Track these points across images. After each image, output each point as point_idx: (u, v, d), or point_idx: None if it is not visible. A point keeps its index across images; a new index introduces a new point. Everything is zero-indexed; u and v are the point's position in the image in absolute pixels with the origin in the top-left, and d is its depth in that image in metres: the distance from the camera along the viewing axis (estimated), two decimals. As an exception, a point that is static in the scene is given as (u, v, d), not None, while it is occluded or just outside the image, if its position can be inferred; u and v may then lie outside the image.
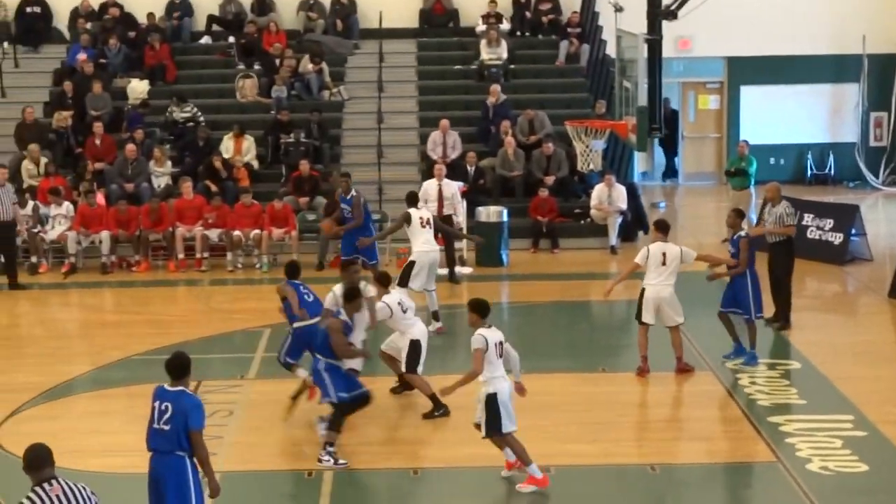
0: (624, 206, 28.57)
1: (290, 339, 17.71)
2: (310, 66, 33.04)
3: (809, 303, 24.08)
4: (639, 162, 35.22)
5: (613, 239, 28.29)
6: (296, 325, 17.58)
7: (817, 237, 26.94)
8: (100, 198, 28.12)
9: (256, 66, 33.79)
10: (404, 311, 17.51)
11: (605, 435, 16.58)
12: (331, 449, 15.49)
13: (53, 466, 10.28)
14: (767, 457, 15.95)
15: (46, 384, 19.14)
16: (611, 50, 31.30)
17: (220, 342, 21.61)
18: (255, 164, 30.30)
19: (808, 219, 27.23)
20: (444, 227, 23.43)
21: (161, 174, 29.53)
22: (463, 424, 16.00)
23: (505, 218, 27.24)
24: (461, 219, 26.52)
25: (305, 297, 17.83)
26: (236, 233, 27.23)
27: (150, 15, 34.75)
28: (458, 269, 26.31)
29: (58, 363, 20.19)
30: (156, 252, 27.72)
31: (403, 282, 20.81)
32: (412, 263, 21.28)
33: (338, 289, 17.06)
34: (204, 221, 27.40)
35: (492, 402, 14.35)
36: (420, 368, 17.40)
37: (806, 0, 35.73)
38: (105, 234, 27.06)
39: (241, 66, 33.95)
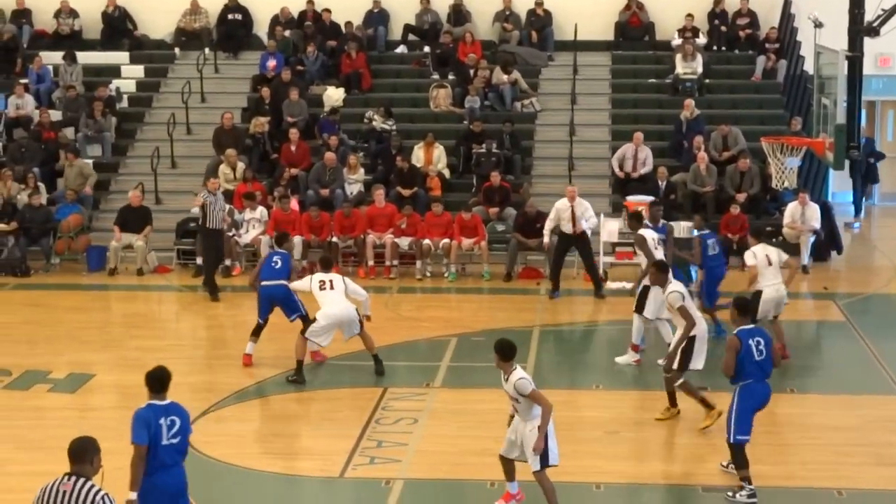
0: (817, 225, 28.18)
1: None
2: (504, 77, 33.16)
3: None
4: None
5: (805, 258, 27.92)
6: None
7: None
8: (293, 203, 28.51)
9: (451, 76, 34.01)
10: None
11: (796, 456, 16.39)
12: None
13: (93, 466, 10.26)
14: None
15: (238, 385, 19.52)
16: (809, 66, 30.93)
17: (406, 350, 21.79)
18: (447, 173, 30.49)
19: None
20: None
21: (354, 181, 29.86)
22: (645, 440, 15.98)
23: (695, 234, 27.01)
24: (589, 230, 26.05)
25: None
26: (426, 241, 27.43)
27: (349, 24, 35.17)
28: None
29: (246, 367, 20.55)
30: (346, 258, 28.02)
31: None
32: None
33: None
34: (395, 229, 27.64)
35: (547, 435, 14.04)
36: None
37: None
38: (298, 239, 27.39)
39: (436, 76, 34.21)
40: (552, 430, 14.06)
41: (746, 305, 15.40)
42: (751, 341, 14.88)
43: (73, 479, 10.09)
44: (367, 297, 20.23)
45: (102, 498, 10.02)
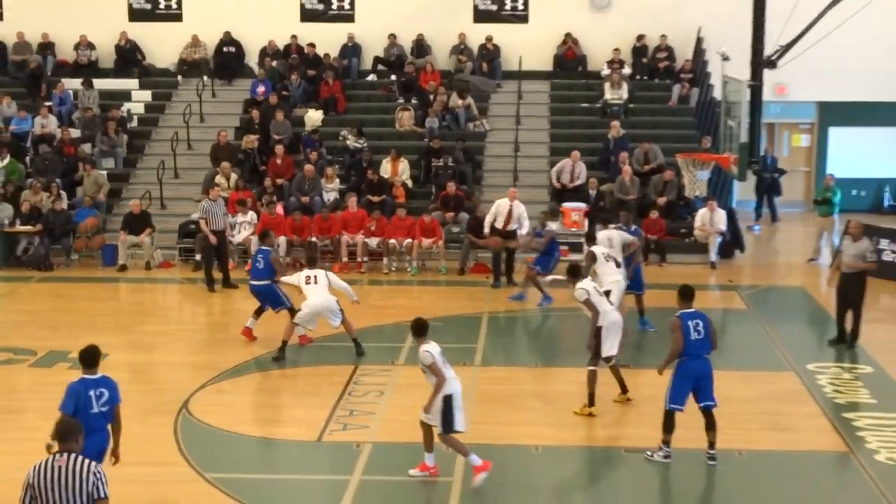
0: (724, 227, 28.38)
1: None
2: (458, 102, 33.25)
3: (883, 316, 23.73)
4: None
5: (713, 256, 28.10)
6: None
7: (892, 259, 26.54)
8: (279, 208, 28.57)
9: (413, 101, 34.05)
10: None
11: (691, 423, 16.55)
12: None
13: (78, 443, 10.02)
14: (841, 447, 15.85)
15: (232, 363, 19.56)
16: (717, 93, 31.09)
17: (374, 333, 21.82)
18: (410, 183, 30.57)
19: (884, 243, 26.82)
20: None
21: (331, 190, 29.91)
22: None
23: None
24: (524, 231, 26.14)
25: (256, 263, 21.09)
26: (392, 241, 27.52)
27: (326, 55, 35.21)
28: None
29: (241, 346, 20.56)
30: (324, 256, 28.05)
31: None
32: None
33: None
34: (366, 230, 27.72)
35: (447, 403, 14.14)
36: None
37: (889, 53, 35.14)
38: (282, 239, 27.48)
39: (401, 100, 34.25)
40: (459, 401, 14.16)
41: (686, 292, 15.35)
42: (690, 322, 14.95)
43: (66, 455, 9.90)
44: (347, 287, 20.34)
45: (96, 469, 9.90)
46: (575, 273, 17.66)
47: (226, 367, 19.32)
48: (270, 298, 20.95)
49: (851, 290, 20.69)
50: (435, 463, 14.63)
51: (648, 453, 15.18)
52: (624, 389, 17.50)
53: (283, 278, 20.95)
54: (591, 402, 16.91)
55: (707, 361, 15.07)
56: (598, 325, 17.01)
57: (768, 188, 34.58)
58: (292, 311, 20.44)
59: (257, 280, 21.01)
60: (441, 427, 14.26)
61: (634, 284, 21.60)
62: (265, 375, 19.27)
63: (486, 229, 26.42)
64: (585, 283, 17.34)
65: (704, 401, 15.06)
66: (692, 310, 15.20)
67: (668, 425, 15.09)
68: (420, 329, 14.49)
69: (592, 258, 20.73)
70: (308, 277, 20.03)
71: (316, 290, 19.89)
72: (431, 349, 14.23)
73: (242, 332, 20.97)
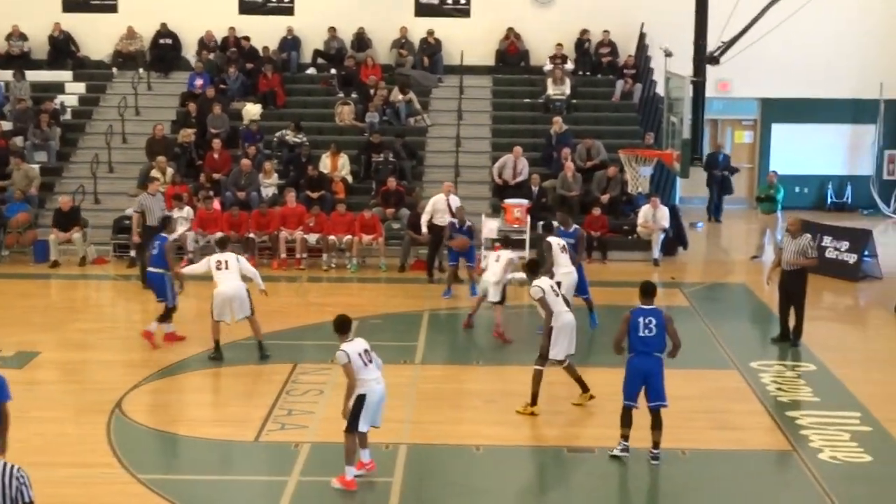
0: (666, 224, 28.43)
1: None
2: (399, 96, 33.12)
3: (825, 314, 23.87)
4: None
5: (656, 253, 28.13)
6: None
7: (834, 257, 26.69)
8: (216, 204, 28.32)
9: (353, 95, 33.88)
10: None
11: (646, 422, 16.53)
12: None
13: None
14: (785, 446, 15.89)
15: (164, 362, 19.32)
16: (660, 89, 31.11)
17: (314, 331, 21.66)
18: (350, 178, 30.40)
19: (827, 241, 27.00)
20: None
21: (269, 185, 29.69)
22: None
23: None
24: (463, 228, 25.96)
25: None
26: (331, 237, 27.34)
27: (265, 48, 34.99)
28: (520, 274, 26.34)
29: (176, 345, 20.32)
30: (262, 252, 27.87)
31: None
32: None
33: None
34: (305, 226, 27.52)
35: (359, 402, 14.05)
36: None
37: (831, 50, 35.41)
38: (219, 235, 27.22)
39: (341, 95, 34.06)
40: (371, 403, 14.06)
41: (645, 289, 15.31)
42: (641, 319, 14.92)
43: None
44: (256, 273, 20.01)
45: (19, 474, 9.41)
46: (534, 269, 17.60)
47: (161, 365, 19.09)
48: (157, 288, 20.54)
49: (793, 288, 20.74)
50: (371, 458, 14.51)
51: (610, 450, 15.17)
52: (584, 388, 17.36)
53: (188, 268, 20.68)
54: (534, 402, 16.81)
55: (656, 359, 15.04)
56: (550, 325, 16.87)
57: (719, 186, 34.62)
58: (169, 312, 20.29)
59: (152, 267, 20.78)
60: (347, 424, 14.14)
61: (579, 288, 21.40)
62: (201, 374, 19.05)
63: (424, 228, 26.31)
64: (542, 282, 17.20)
65: (654, 400, 15.04)
66: (650, 307, 15.14)
67: (624, 420, 15.13)
68: (340, 326, 14.30)
69: (549, 248, 20.70)
70: (219, 262, 19.51)
71: (226, 275, 19.40)
72: (348, 348, 14.06)
73: (165, 339, 20.59)
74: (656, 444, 15.09)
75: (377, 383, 14.19)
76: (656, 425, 15.06)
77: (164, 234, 21.01)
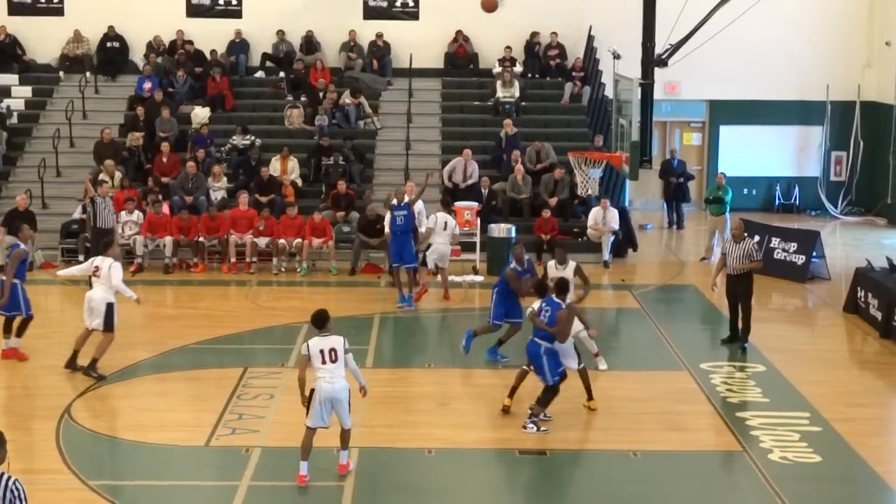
0: (616, 226, 28.51)
1: None
2: (349, 100, 33.08)
3: (774, 315, 24.04)
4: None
5: (606, 255, 28.22)
6: None
7: (783, 258, 26.88)
8: (165, 208, 28.19)
9: (303, 98, 33.80)
10: None
11: (597, 423, 16.62)
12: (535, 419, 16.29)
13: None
14: (735, 447, 15.97)
15: (114, 367, 19.16)
16: (609, 92, 31.20)
17: (265, 335, 21.63)
18: (300, 182, 30.33)
19: (775, 242, 27.21)
20: None
21: (218, 188, 29.56)
22: (471, 412, 16.04)
23: (513, 234, 27.19)
24: (423, 229, 25.70)
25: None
26: (281, 241, 27.24)
27: (213, 52, 34.85)
28: (470, 277, 26.45)
29: (125, 350, 20.14)
30: (211, 256, 27.75)
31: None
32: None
33: None
34: (255, 230, 27.42)
35: (311, 396, 14.26)
36: None
37: (778, 52, 35.66)
38: (168, 239, 27.15)
39: (290, 98, 33.96)
40: (318, 399, 14.20)
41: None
42: (544, 304, 16.44)
43: None
44: (125, 289, 18.99)
45: (15, 483, 9.33)
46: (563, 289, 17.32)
47: (110, 370, 18.94)
48: (11, 297, 19.68)
49: (740, 291, 20.76)
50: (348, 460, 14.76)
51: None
52: (590, 395, 17.32)
53: (65, 271, 20.37)
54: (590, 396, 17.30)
55: (535, 344, 16.40)
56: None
57: (674, 193, 34.25)
58: (7, 324, 19.74)
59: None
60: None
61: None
62: (151, 379, 18.93)
63: (387, 228, 26.09)
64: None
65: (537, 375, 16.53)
66: (556, 299, 16.51)
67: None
68: (315, 321, 14.49)
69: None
70: (96, 268, 18.94)
71: (97, 282, 18.93)
72: (311, 342, 14.35)
73: (3, 355, 19.77)
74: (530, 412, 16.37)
75: (326, 382, 14.18)
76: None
77: (18, 241, 20.42)
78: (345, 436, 14.60)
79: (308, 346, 14.27)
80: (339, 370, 14.30)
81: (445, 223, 24.94)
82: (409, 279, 24.15)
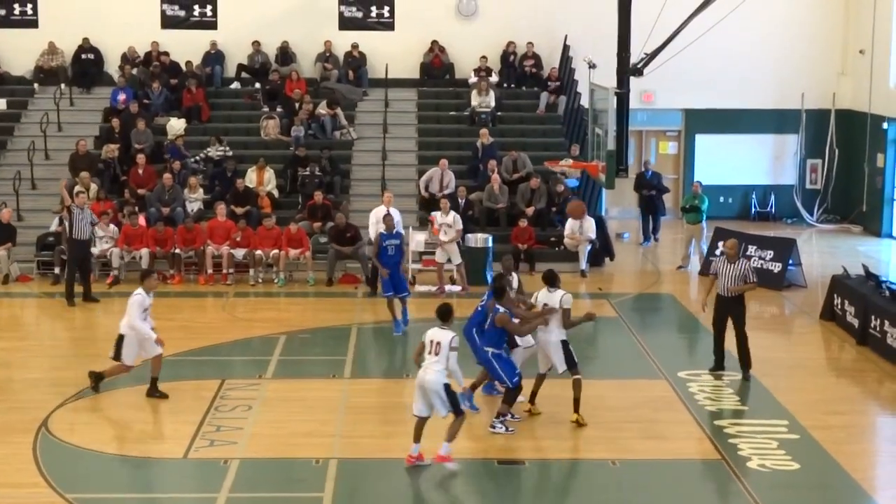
0: (593, 235, 28.53)
1: None
2: (325, 110, 33.08)
3: (751, 323, 23.71)
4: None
5: (583, 264, 28.24)
6: None
7: (759, 266, 26.89)
8: (141, 219, 28.11)
9: (279, 109, 33.78)
10: None
11: (576, 432, 16.64)
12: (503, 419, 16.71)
13: None
14: (713, 455, 15.99)
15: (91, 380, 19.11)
16: (585, 101, 31.29)
17: (242, 346, 21.59)
18: (276, 193, 30.31)
19: (751, 250, 27.28)
20: None
21: (194, 200, 29.52)
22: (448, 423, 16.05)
23: (490, 244, 27.25)
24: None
25: None
26: (258, 252, 27.21)
27: (189, 63, 34.81)
28: (448, 287, 26.46)
29: (101, 362, 20.04)
30: (188, 267, 27.70)
31: None
32: None
33: None
34: (231, 240, 27.36)
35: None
36: None
37: (754, 61, 35.84)
38: (145, 251, 27.09)
39: (266, 109, 33.93)
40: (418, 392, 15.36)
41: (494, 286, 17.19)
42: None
43: None
44: (130, 318, 18.29)
45: None
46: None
47: (87, 383, 18.84)
48: None
49: (732, 314, 19.61)
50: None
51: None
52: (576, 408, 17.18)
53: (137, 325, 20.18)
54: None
55: (483, 351, 16.86)
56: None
57: (648, 206, 33.18)
58: None
59: None
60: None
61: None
62: (128, 392, 18.84)
63: (373, 237, 25.83)
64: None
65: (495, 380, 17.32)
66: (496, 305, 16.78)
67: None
68: (442, 314, 15.56)
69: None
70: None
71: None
72: (429, 332, 15.46)
73: None
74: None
75: (421, 370, 15.30)
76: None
77: None
78: (451, 426, 15.21)
79: (426, 334, 15.42)
80: (437, 363, 15.11)
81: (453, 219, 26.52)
82: (403, 306, 23.49)
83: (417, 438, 15.26)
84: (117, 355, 18.37)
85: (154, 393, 18.35)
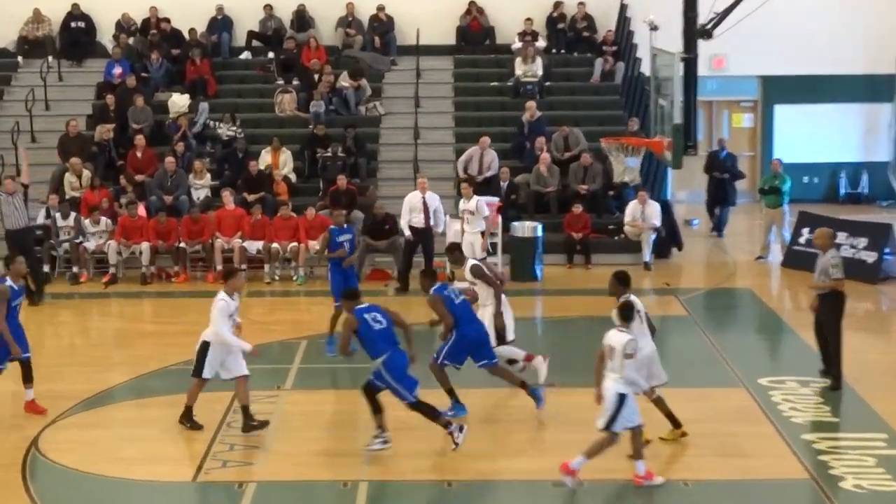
0: (658, 222, 28.42)
1: None
2: (347, 82, 33.06)
3: (846, 322, 23.85)
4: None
5: (647, 255, 28.16)
6: None
7: (851, 255, 26.65)
8: (141, 209, 28.18)
9: (295, 82, 33.84)
10: None
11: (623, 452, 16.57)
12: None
13: None
14: (800, 474, 15.85)
15: (86, 392, 19.16)
16: (646, 68, 31.19)
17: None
18: (293, 177, 30.31)
19: (841, 237, 27.02)
20: None
21: (200, 186, 29.57)
22: (494, 437, 15.99)
23: (539, 233, 27.17)
24: (440, 229, 26.64)
25: None
26: (274, 245, 27.22)
27: (192, 31, 34.89)
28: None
29: (98, 372, 20.20)
30: (194, 263, 27.76)
31: None
32: None
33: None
34: (244, 233, 27.34)
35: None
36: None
37: (840, 20, 35.64)
38: (145, 246, 27.14)
39: (280, 81, 34.01)
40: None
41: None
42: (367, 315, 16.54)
43: None
44: (214, 326, 18.14)
45: None
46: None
47: (78, 397, 18.91)
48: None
49: (823, 316, 19.30)
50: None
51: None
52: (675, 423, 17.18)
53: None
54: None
55: (377, 371, 16.57)
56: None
57: (717, 193, 32.91)
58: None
59: None
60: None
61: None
62: (128, 406, 18.93)
63: (406, 231, 26.09)
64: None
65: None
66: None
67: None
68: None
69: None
70: None
71: None
72: (608, 334, 15.25)
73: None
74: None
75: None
76: None
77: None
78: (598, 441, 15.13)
79: (606, 336, 15.25)
80: (612, 370, 15.07)
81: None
82: None
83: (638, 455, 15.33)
84: (199, 369, 17.51)
85: (250, 423, 17.27)
